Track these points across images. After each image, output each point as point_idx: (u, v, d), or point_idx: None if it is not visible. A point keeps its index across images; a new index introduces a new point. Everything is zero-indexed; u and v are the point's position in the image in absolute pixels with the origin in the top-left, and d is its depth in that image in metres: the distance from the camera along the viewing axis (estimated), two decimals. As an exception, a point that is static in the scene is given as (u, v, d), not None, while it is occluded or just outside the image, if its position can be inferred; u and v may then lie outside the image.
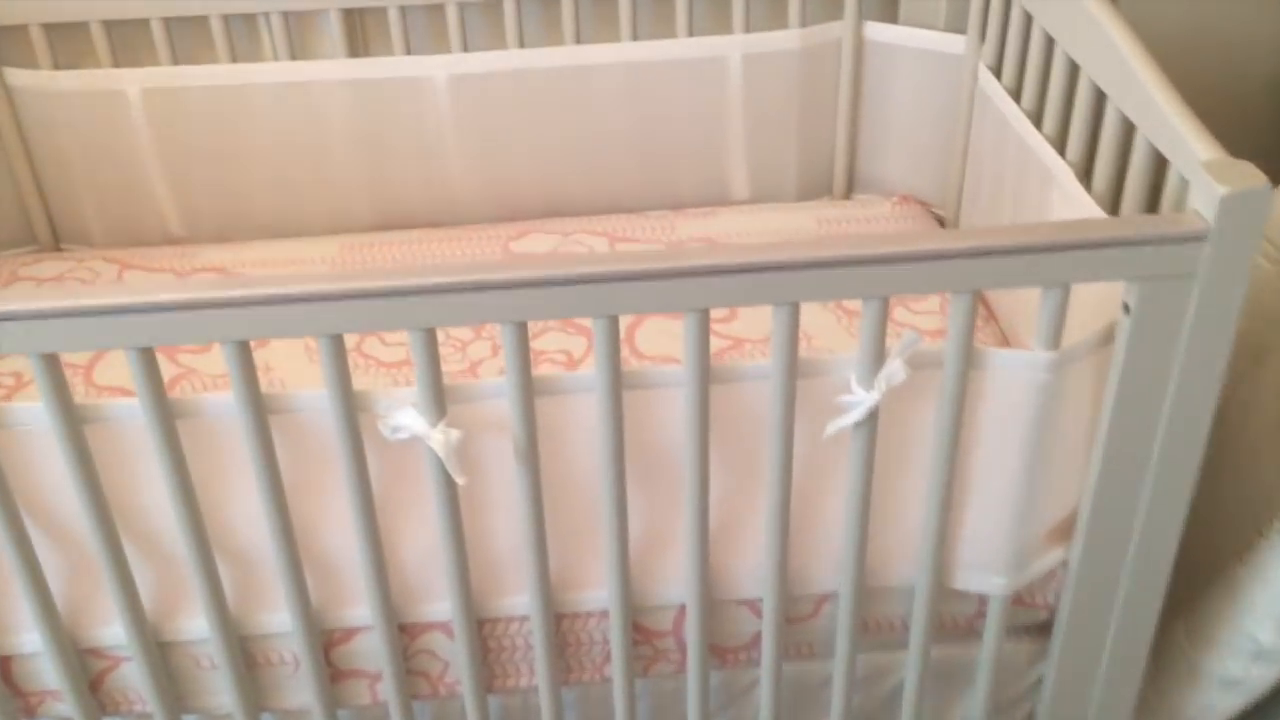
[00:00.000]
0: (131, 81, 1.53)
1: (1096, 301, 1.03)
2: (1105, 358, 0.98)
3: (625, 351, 1.31)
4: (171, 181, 1.59)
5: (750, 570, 1.08)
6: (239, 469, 0.97)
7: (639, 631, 1.11)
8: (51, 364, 0.89)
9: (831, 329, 1.36)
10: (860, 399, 0.95)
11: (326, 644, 1.10)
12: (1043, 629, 1.16)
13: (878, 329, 0.92)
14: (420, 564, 1.05)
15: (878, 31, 1.56)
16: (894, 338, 1.32)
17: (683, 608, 1.11)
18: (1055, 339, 0.94)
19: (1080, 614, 1.11)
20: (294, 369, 1.33)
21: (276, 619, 1.07)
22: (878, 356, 0.93)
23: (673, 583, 1.08)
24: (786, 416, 0.96)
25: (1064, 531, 1.09)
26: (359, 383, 0.97)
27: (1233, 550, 1.20)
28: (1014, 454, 1.00)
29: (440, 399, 0.93)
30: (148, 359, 0.89)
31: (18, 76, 1.52)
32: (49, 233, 1.64)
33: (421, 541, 1.04)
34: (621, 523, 1.01)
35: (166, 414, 0.92)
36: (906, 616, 1.14)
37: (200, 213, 1.62)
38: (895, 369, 0.93)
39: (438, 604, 1.08)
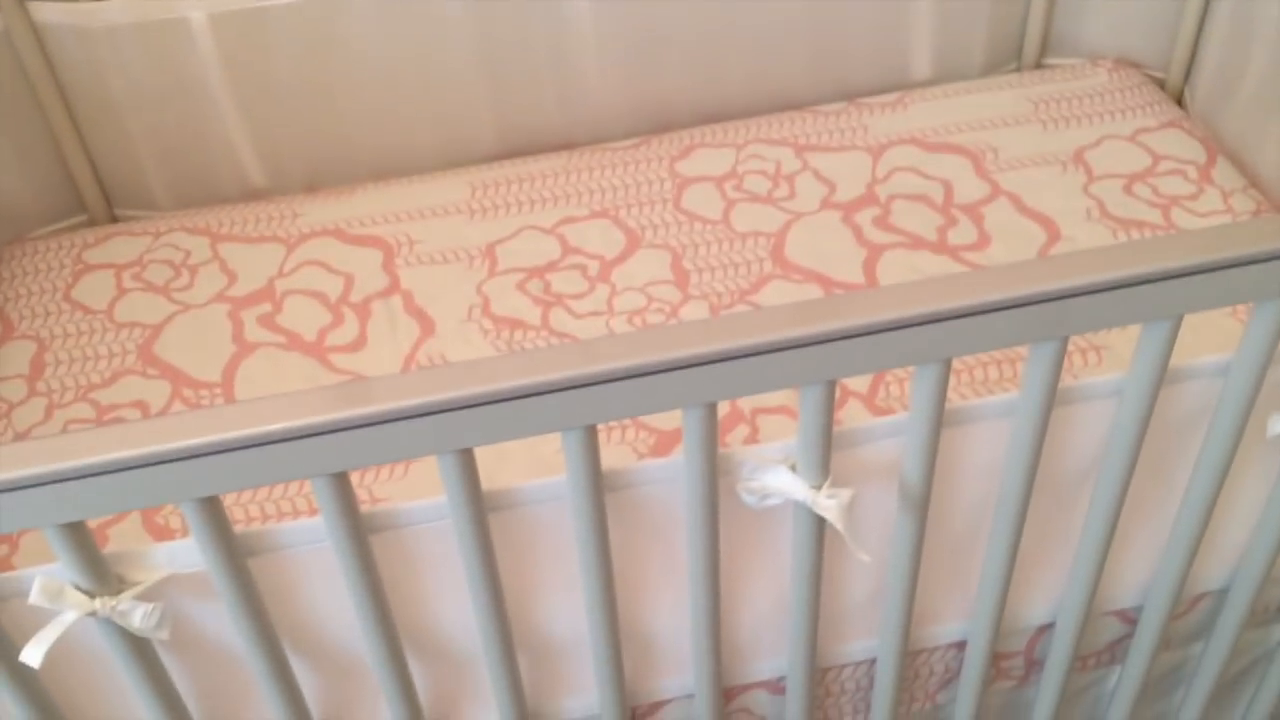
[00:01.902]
0: (194, 6, 1.22)
1: None
2: None
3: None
4: (250, 123, 1.30)
5: (1133, 581, 0.90)
6: (554, 556, 0.75)
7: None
8: (341, 483, 0.65)
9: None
10: (1337, 390, 0.75)
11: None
12: None
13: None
14: (756, 625, 0.85)
15: None
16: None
17: (1041, 628, 0.93)
18: None
19: None
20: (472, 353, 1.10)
21: (578, 703, 0.87)
22: (1370, 339, 0.73)
23: (1038, 604, 0.90)
24: (1238, 419, 0.76)
25: None
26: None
27: None
28: None
29: (826, 458, 0.71)
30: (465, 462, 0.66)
31: (49, 11, 1.21)
32: (100, 199, 1.35)
33: (760, 603, 0.84)
34: (1012, 554, 0.82)
35: (479, 513, 0.69)
36: (1287, 598, 0.97)
37: (286, 157, 1.34)
38: (1395, 353, 0.73)
39: (767, 662, 0.89)
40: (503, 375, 0.62)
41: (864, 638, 0.89)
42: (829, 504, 0.72)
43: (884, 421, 0.74)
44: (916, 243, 1.18)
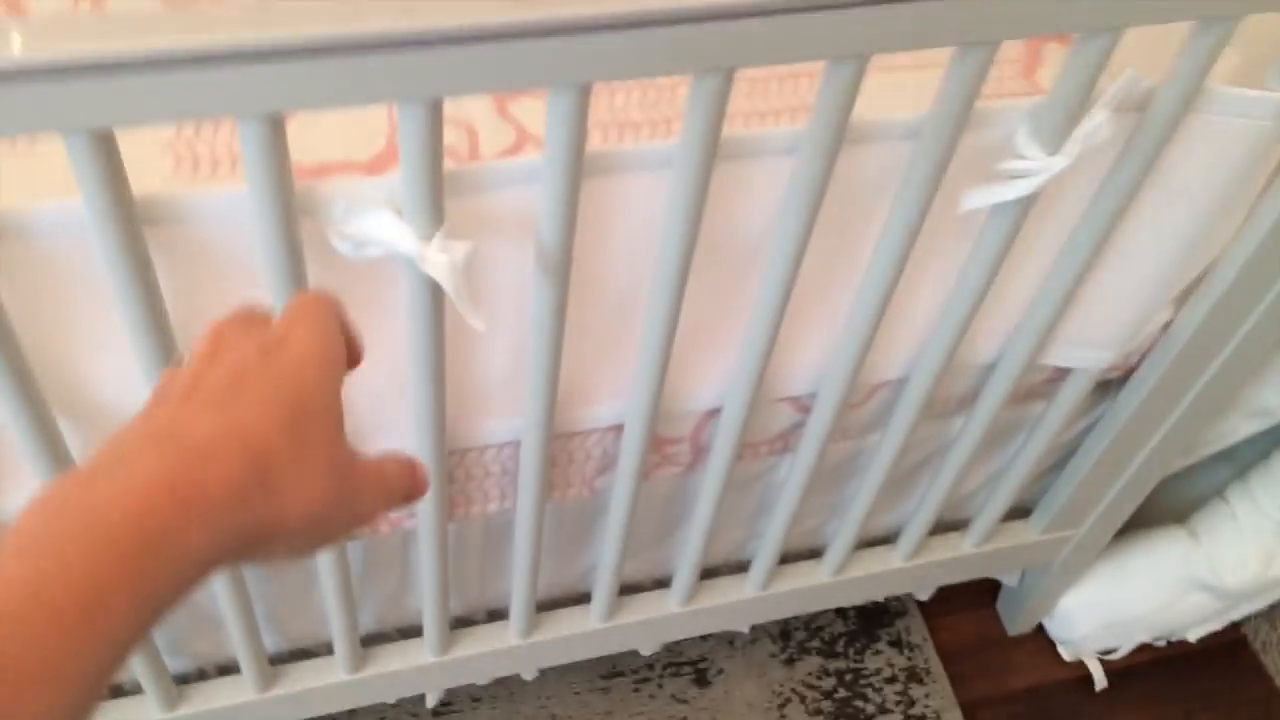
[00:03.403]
0: None
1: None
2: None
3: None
4: None
5: (807, 366, 0.82)
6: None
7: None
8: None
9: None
10: (1035, 165, 0.66)
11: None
12: (1104, 384, 0.98)
13: (1092, 70, 0.62)
14: (376, 401, 0.72)
15: None
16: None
17: (707, 413, 0.84)
18: (1307, 76, 0.67)
19: (1171, 376, 0.92)
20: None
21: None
22: (1075, 107, 0.64)
23: (704, 387, 0.81)
24: (927, 187, 0.67)
25: (1181, 295, 0.87)
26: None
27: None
28: (1187, 218, 0.75)
29: (438, 197, 0.57)
30: None
31: None
32: None
33: (375, 378, 0.70)
34: (671, 327, 0.71)
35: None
36: (967, 393, 0.92)
37: None
38: (1100, 124, 0.64)
39: (391, 439, 0.76)
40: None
41: (507, 415, 0.78)
42: (439, 259, 0.58)
43: (516, 163, 0.60)
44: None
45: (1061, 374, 0.92)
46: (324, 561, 0.83)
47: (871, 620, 1.31)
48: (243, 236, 0.57)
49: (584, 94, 0.54)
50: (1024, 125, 0.66)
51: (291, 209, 0.56)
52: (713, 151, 0.59)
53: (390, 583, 0.96)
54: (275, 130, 0.52)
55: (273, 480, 0.38)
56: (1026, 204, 0.70)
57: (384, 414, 0.74)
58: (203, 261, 0.59)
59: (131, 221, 0.54)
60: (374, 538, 0.88)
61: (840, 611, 1.31)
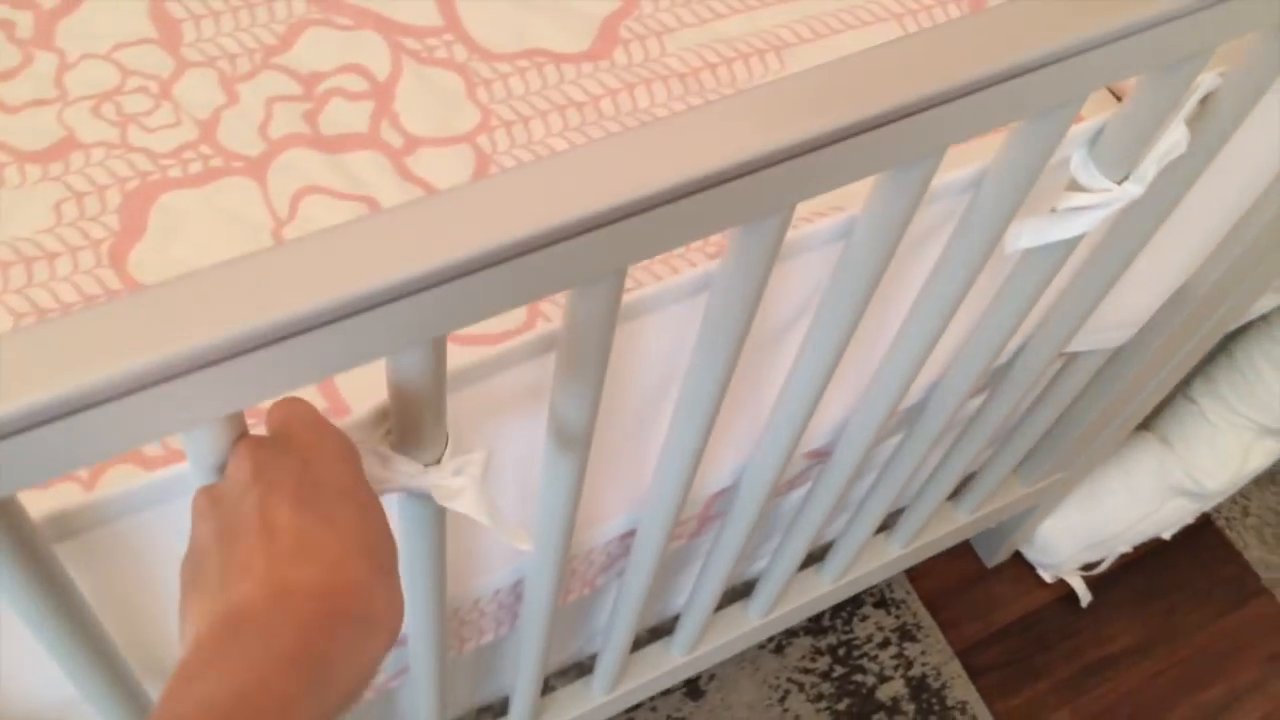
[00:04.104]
0: None
1: None
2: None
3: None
4: None
5: (832, 420, 0.72)
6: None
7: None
8: None
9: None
10: (1101, 198, 0.56)
11: None
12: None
13: (1178, 89, 0.52)
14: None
15: None
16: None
17: (718, 493, 0.74)
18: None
19: (1178, 333, 0.85)
20: None
21: None
22: (1149, 129, 0.54)
23: (728, 466, 0.70)
24: (990, 230, 0.56)
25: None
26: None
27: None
28: (1224, 210, 0.67)
29: (442, 424, 0.43)
30: None
31: None
32: None
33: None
34: (705, 432, 0.59)
35: None
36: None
37: None
38: (1178, 139, 0.54)
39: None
40: None
41: (511, 564, 0.65)
42: (456, 484, 0.45)
43: (525, 341, 0.46)
44: None
45: (1073, 355, 0.85)
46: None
47: (852, 585, 1.25)
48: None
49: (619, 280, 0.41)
50: (1081, 151, 0.56)
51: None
52: (765, 277, 0.47)
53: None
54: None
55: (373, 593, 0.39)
56: (1068, 250, 0.60)
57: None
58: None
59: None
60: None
61: (818, 576, 1.25)
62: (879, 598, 1.25)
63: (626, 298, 0.48)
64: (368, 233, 0.35)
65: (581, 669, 0.95)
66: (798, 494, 0.85)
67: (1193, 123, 0.56)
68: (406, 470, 0.44)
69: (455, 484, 0.45)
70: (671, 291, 0.49)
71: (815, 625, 1.22)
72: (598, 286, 0.41)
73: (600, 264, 0.39)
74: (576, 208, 0.36)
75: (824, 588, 1.00)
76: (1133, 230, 0.65)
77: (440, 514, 0.49)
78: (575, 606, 0.83)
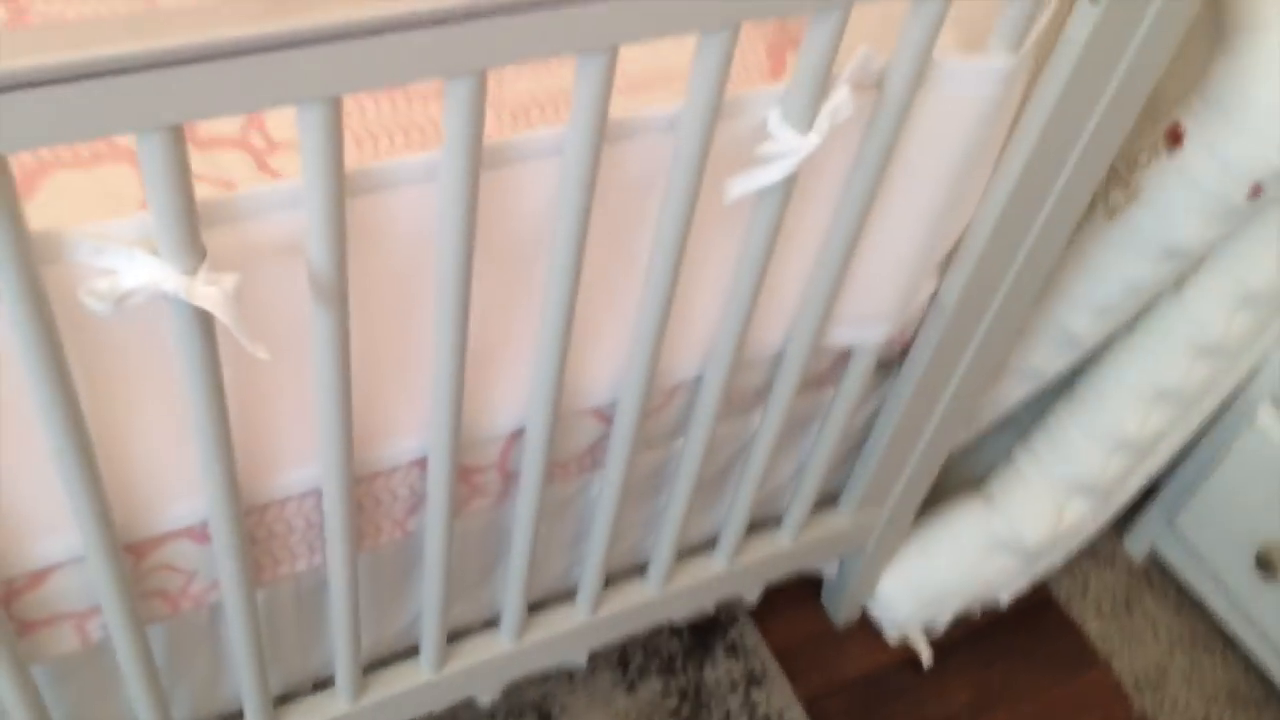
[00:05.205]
0: None
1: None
2: (1038, 60, 0.78)
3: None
4: None
5: (605, 374, 0.83)
6: None
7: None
8: None
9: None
10: (789, 146, 0.69)
11: (4, 597, 0.72)
12: (885, 362, 1.02)
13: (827, 48, 0.65)
14: (156, 465, 0.69)
15: None
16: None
17: (511, 436, 0.84)
18: (1020, 39, 0.72)
19: (943, 346, 0.97)
20: None
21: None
22: (819, 86, 0.67)
23: (505, 409, 0.81)
24: (691, 179, 0.68)
25: (943, 264, 0.92)
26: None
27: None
28: (936, 187, 0.80)
29: (193, 227, 0.55)
30: None
31: None
32: None
33: (158, 434, 0.67)
34: (460, 343, 0.70)
35: None
36: (761, 385, 0.95)
37: None
38: (842, 100, 0.68)
39: (177, 508, 0.72)
40: None
41: (302, 465, 0.75)
42: (208, 291, 0.56)
43: (275, 188, 0.58)
44: None
45: (846, 357, 0.96)
46: (122, 653, 0.78)
47: (705, 634, 1.32)
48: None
49: (336, 107, 0.53)
50: (775, 110, 0.69)
51: (30, 255, 0.52)
52: (477, 158, 0.59)
53: (200, 667, 0.91)
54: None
55: None
56: (789, 188, 0.73)
57: (168, 478, 0.70)
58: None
59: None
60: (175, 618, 0.82)
61: (674, 630, 1.32)
62: (730, 645, 1.31)
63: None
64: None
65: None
66: (596, 481, 0.94)
67: (863, 95, 0.70)
68: (164, 271, 0.55)
69: (206, 290, 0.56)
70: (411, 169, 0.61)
71: (668, 667, 1.28)
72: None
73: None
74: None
75: (650, 594, 1.08)
76: (850, 205, 0.77)
77: (209, 334, 0.59)
78: (392, 563, 0.92)
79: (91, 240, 0.54)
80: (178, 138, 0.51)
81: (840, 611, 1.33)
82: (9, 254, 0.51)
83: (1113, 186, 1.05)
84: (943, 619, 1.32)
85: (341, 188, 0.57)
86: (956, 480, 1.33)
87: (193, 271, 0.56)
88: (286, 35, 0.49)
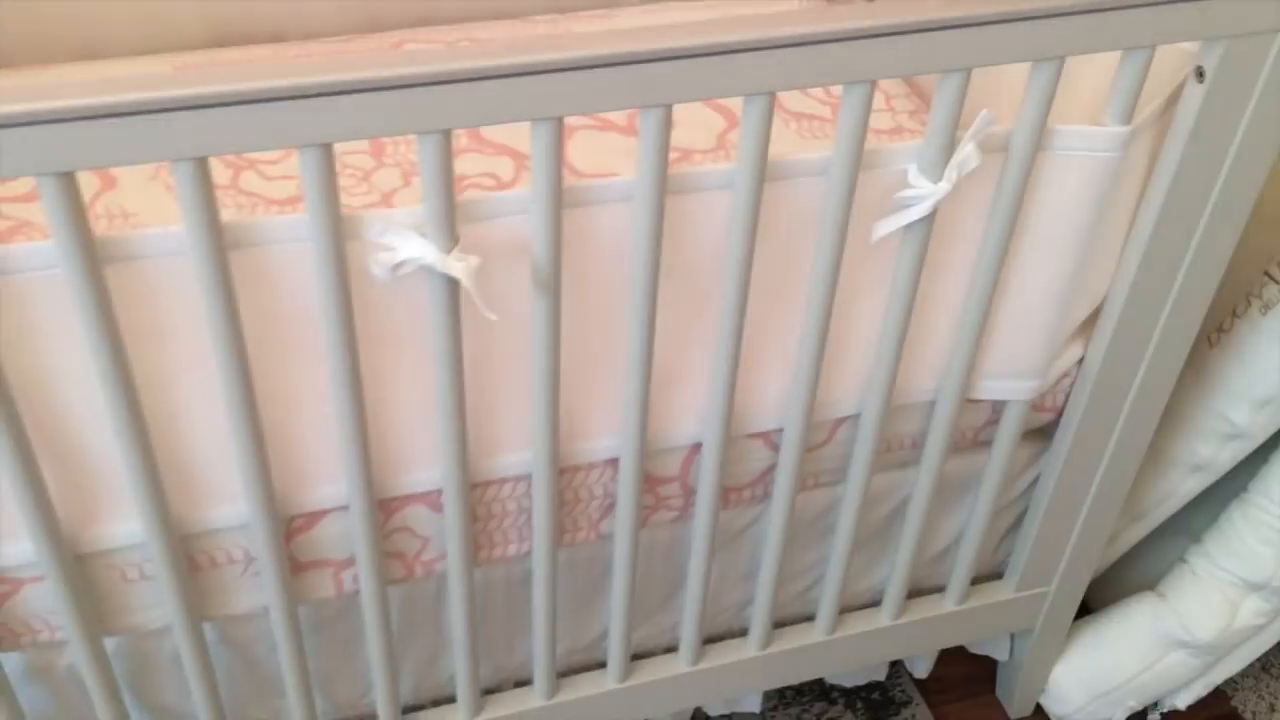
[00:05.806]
0: None
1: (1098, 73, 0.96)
2: (1161, 132, 0.91)
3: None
4: (-66, -9, 1.25)
5: (771, 400, 0.97)
6: (177, 328, 0.76)
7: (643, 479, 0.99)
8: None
9: (780, 138, 1.23)
10: (924, 192, 0.84)
11: (285, 534, 0.91)
12: (1040, 431, 1.12)
13: (953, 107, 0.81)
14: (406, 429, 0.87)
15: None
16: (803, 137, 1.20)
17: (692, 449, 0.99)
18: (1130, 111, 0.85)
19: (1092, 412, 1.06)
20: (154, 209, 1.09)
21: (224, 513, 0.87)
22: (949, 141, 0.82)
23: (685, 421, 0.96)
24: (840, 216, 0.84)
25: (1086, 327, 1.03)
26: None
27: (1203, 333, 1.19)
28: (1066, 244, 0.92)
29: (452, 219, 0.75)
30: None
31: None
32: None
33: (409, 403, 0.86)
34: (648, 352, 0.87)
35: (90, 255, 0.69)
36: (917, 434, 1.06)
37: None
38: (969, 154, 0.82)
39: (423, 473, 0.91)
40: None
41: (517, 450, 0.92)
42: (459, 265, 0.75)
43: (509, 195, 0.78)
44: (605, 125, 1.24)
45: (998, 417, 1.06)
46: (369, 621, 0.95)
47: (879, 709, 1.39)
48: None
49: (558, 127, 0.73)
50: (914, 162, 0.84)
51: (340, 231, 0.73)
52: (662, 184, 0.77)
53: (424, 644, 1.07)
54: (327, 158, 0.70)
55: None
56: (928, 230, 0.87)
57: (415, 443, 0.88)
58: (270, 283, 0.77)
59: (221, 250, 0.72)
60: (410, 584, 1.00)
61: (850, 705, 1.39)
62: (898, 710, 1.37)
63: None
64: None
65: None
66: (767, 512, 1.07)
67: (990, 155, 0.84)
68: (427, 248, 0.74)
69: (457, 264, 0.75)
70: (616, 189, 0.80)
71: (839, 739, 1.35)
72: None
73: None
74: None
75: (817, 637, 1.18)
76: (986, 260, 0.90)
77: (454, 301, 0.78)
78: (586, 566, 1.07)
79: (381, 223, 0.75)
80: (447, 144, 0.71)
81: (1014, 701, 1.37)
82: (326, 232, 0.72)
83: (1267, 283, 1.13)
84: (1118, 716, 1.34)
85: (558, 200, 0.76)
86: (1132, 585, 1.37)
87: (449, 250, 0.75)
88: (546, 63, 0.69)
